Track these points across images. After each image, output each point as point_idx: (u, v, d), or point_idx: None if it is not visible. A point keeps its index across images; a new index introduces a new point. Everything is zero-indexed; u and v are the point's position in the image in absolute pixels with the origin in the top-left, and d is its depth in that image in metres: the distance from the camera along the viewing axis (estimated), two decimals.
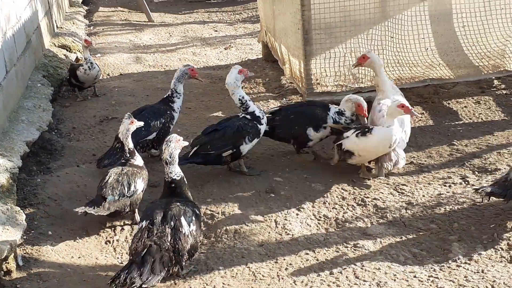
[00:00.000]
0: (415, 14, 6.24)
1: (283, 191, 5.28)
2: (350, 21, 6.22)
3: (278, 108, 5.96)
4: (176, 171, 4.30)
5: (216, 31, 12.30)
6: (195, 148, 5.39)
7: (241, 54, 10.37)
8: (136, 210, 4.85)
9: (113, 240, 4.73)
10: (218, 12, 14.26)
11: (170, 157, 4.27)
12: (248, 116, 5.40)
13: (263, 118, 5.43)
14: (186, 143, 4.45)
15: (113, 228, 4.87)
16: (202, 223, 4.49)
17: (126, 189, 4.70)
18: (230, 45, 10.92)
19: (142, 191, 4.85)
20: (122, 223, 4.92)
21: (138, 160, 4.99)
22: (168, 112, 5.89)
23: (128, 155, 4.94)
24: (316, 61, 6.36)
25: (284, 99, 7.69)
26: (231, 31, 12.30)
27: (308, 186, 5.33)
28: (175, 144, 4.28)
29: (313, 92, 6.42)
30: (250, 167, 5.71)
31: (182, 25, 12.92)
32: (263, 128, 5.46)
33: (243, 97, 5.42)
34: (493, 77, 6.93)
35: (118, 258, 4.53)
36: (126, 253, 4.47)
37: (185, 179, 4.39)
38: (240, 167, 5.62)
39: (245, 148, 5.41)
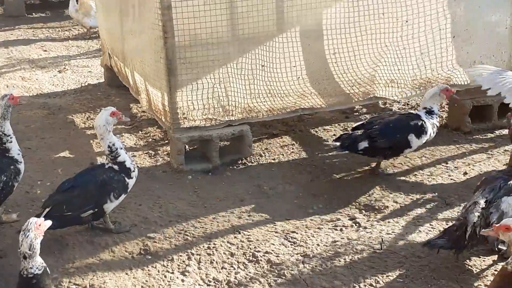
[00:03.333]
0: (287, 41, 5.83)
1: (161, 250, 4.55)
2: (218, 50, 5.64)
3: (360, 124, 5.56)
4: (37, 264, 3.37)
5: (45, 50, 11.11)
6: (47, 210, 4.44)
7: (79, 78, 9.37)
8: None
9: None
10: (44, 29, 12.97)
11: (29, 250, 3.31)
12: (116, 167, 4.57)
13: (133, 171, 4.64)
14: (48, 224, 3.52)
15: None
16: None
17: None
18: (65, 68, 9.85)
19: None
20: None
21: None
22: (12, 166, 4.65)
23: None
24: (182, 94, 5.70)
25: (140, 131, 6.92)
26: (62, 50, 11.17)
27: (190, 242, 4.66)
28: (35, 233, 3.32)
29: (180, 127, 5.75)
30: (116, 222, 4.90)
31: (4, 44, 11.50)
32: (132, 182, 4.65)
33: (113, 144, 4.58)
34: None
35: None
36: None
37: (47, 269, 3.49)
38: (105, 223, 4.79)
39: (110, 206, 4.59)
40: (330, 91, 6.09)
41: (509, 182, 4.15)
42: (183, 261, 4.43)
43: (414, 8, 6.05)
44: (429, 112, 5.47)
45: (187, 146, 6.09)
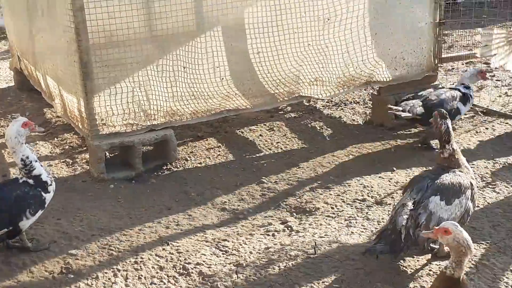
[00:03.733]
0: (209, 41, 5.63)
1: (85, 268, 4.26)
2: (136, 51, 5.37)
3: (412, 95, 6.12)
4: None
5: None
6: None
7: None
8: None
9: None
10: None
11: None
12: (31, 181, 4.23)
13: (50, 184, 4.30)
14: None
15: None
16: None
17: None
18: None
19: None
20: None
21: None
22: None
23: None
24: (99, 98, 5.39)
25: (55, 138, 6.53)
26: None
27: (115, 257, 4.38)
28: None
29: (99, 134, 5.45)
30: (34, 239, 4.56)
31: None
32: (49, 196, 4.32)
33: (27, 157, 4.22)
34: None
35: None
36: None
37: None
38: (21, 242, 4.43)
39: (26, 224, 4.24)
40: (255, 91, 5.95)
41: (436, 181, 4.13)
42: (109, 279, 4.15)
43: (336, 6, 6.00)
44: (467, 88, 6.16)
45: (107, 153, 5.79)
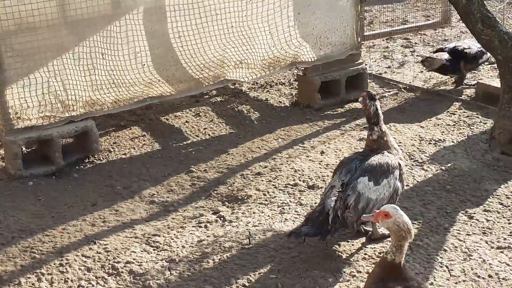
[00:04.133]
0: (126, 24, 5.35)
1: (5, 274, 3.98)
2: (50, 39, 5.04)
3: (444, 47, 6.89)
4: None
5: None
6: None
7: None
8: None
9: None
10: None
11: None
12: None
13: None
14: None
15: None
16: None
17: None
18: None
19: None
20: None
21: None
22: None
23: None
24: (12, 91, 5.04)
25: None
26: None
27: (38, 260, 4.12)
28: None
29: (14, 129, 5.11)
30: None
31: None
32: None
33: None
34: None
35: None
36: None
37: None
38: None
39: None
40: (179, 77, 5.73)
41: (364, 163, 4.10)
42: (33, 284, 3.90)
43: None
44: None
45: (24, 149, 5.44)
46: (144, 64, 5.52)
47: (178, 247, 4.25)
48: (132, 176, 5.22)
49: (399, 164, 4.16)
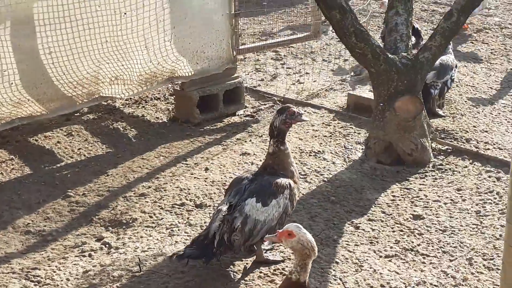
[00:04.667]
0: None
1: None
2: None
3: None
4: None
5: None
6: None
7: None
8: None
9: None
10: None
11: None
12: None
13: None
14: None
15: None
16: None
17: None
18: None
19: None
20: None
21: None
22: None
23: None
24: None
25: None
26: None
27: None
28: None
29: None
30: None
31: None
32: None
33: None
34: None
35: None
36: None
37: None
38: None
39: None
40: (50, 95, 5.37)
41: (253, 183, 4.02)
42: None
43: None
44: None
45: None
46: (12, 83, 5.11)
47: (62, 280, 3.96)
48: (1, 205, 4.80)
49: (289, 184, 4.05)
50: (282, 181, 4.04)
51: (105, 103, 6.76)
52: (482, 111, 6.71)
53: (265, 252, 4.17)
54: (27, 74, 5.20)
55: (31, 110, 5.29)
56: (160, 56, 6.01)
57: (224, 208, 3.94)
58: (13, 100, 5.17)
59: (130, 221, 4.61)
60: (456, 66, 6.71)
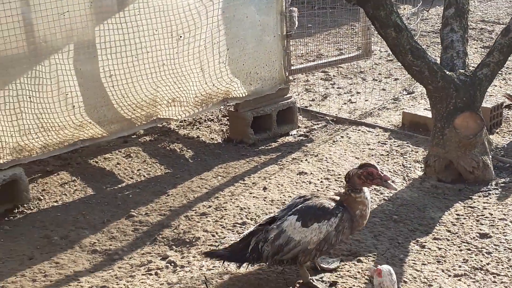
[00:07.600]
0: (54, 63, 5.06)
1: None
2: None
3: None
4: None
5: None
6: None
7: None
8: None
9: None
10: None
11: None
12: None
13: None
14: None
15: None
16: None
17: None
18: None
19: None
20: None
21: None
22: None
23: None
24: None
25: None
26: None
27: None
28: None
29: None
30: None
31: None
32: None
33: None
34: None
35: None
36: None
37: None
38: None
39: None
40: (110, 118, 5.49)
41: (304, 203, 3.98)
42: None
43: (189, 21, 5.73)
44: None
45: None
46: (74, 106, 5.24)
47: None
48: (68, 225, 4.89)
49: (340, 214, 3.88)
50: (332, 208, 3.91)
51: (160, 125, 6.86)
52: None
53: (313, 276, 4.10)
54: (88, 97, 5.32)
55: (92, 132, 5.40)
56: (215, 78, 6.09)
57: (265, 217, 4.14)
58: (75, 122, 5.28)
59: (194, 240, 4.64)
60: None
